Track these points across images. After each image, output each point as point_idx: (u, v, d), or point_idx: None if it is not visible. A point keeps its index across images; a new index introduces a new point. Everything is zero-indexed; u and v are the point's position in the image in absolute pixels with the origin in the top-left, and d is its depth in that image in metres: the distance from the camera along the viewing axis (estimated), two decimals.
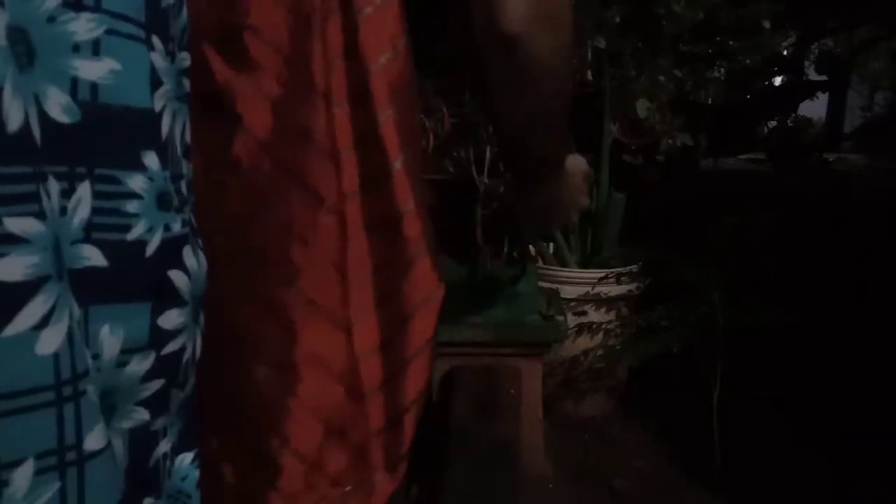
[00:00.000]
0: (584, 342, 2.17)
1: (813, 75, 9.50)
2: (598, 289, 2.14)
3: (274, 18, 0.55)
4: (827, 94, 10.25)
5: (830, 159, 6.15)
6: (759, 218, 1.93)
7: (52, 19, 0.35)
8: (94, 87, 0.37)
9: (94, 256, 0.38)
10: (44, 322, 0.33)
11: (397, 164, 0.58)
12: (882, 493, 1.70)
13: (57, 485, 0.35)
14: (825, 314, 2.44)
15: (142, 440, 0.42)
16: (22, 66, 0.34)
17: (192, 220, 0.47)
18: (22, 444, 0.33)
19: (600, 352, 2.16)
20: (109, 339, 0.39)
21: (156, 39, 0.40)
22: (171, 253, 0.42)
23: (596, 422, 2.18)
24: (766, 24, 2.42)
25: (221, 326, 0.55)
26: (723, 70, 2.55)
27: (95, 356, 0.38)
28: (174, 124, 0.43)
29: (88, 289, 0.37)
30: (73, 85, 0.36)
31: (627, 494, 1.80)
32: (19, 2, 0.34)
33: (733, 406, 1.84)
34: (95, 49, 0.37)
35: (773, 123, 7.10)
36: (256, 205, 0.56)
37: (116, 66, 0.37)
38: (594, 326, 2.16)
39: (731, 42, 2.42)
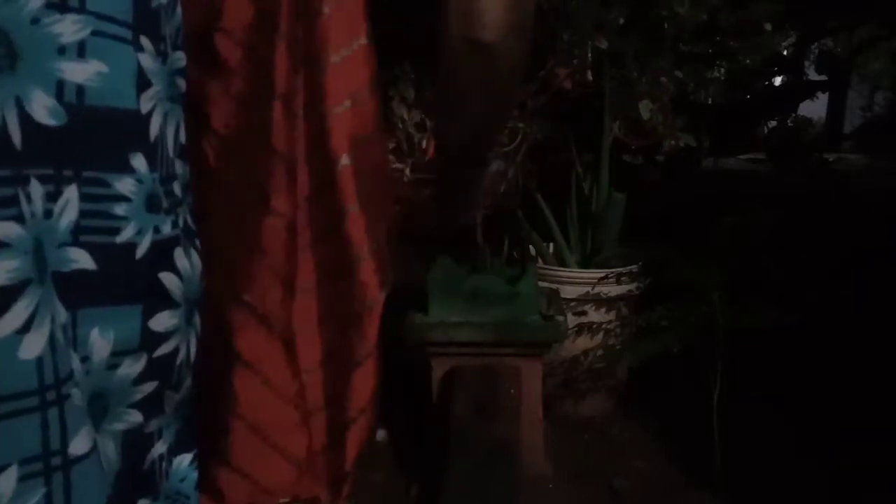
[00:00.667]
0: (584, 342, 2.17)
1: (813, 75, 9.49)
2: (598, 289, 2.14)
3: (244, 18, 0.55)
4: (827, 94, 10.25)
5: (830, 159, 6.14)
6: (759, 218, 1.93)
7: (36, 21, 0.35)
8: (80, 89, 0.37)
9: (82, 259, 0.38)
10: (26, 326, 0.33)
11: (344, 161, 0.57)
12: (882, 494, 1.70)
13: (42, 490, 0.35)
14: (825, 314, 2.43)
15: (136, 442, 0.42)
16: (2, 69, 0.34)
17: (189, 221, 0.47)
18: (6, 450, 0.33)
19: (600, 352, 2.16)
20: (99, 342, 0.39)
21: (145, 40, 0.40)
22: (161, 255, 0.42)
23: (596, 422, 2.17)
24: (767, 25, 2.42)
25: None
26: (723, 70, 2.55)
27: (85, 359, 0.38)
28: (165, 125, 0.43)
29: (77, 291, 0.38)
30: (59, 87, 0.36)
31: (627, 494, 1.80)
32: (0, 3, 0.34)
33: (733, 406, 1.84)
34: (81, 51, 0.37)
35: (773, 123, 7.09)
36: (212, 203, 0.55)
37: (103, 67, 0.37)
38: (594, 326, 2.16)
39: (731, 42, 2.42)
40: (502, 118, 0.71)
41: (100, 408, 0.39)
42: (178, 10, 0.45)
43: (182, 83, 0.46)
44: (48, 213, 0.36)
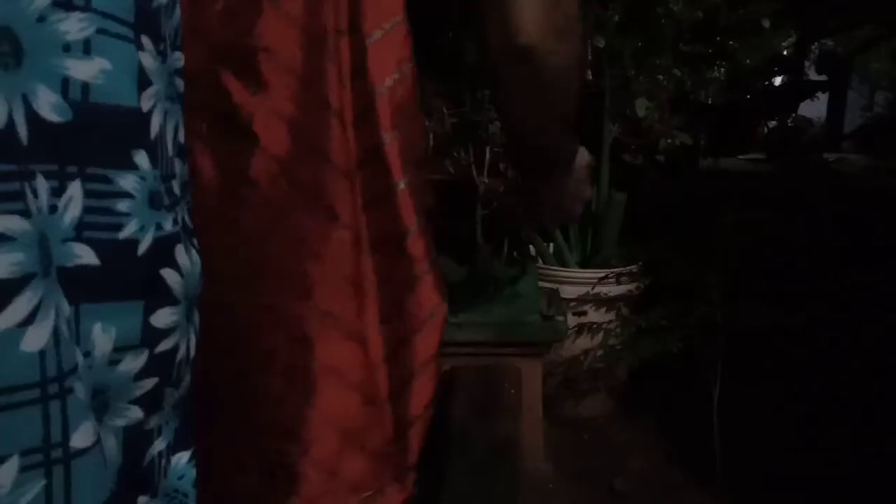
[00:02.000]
0: (584, 342, 2.17)
1: (813, 75, 9.49)
2: (598, 289, 2.14)
3: (287, 40, 0.55)
4: (827, 94, 10.24)
5: (830, 159, 6.14)
6: (759, 218, 1.93)
7: (42, 19, 0.35)
8: (85, 86, 0.37)
9: (85, 255, 0.38)
10: (30, 319, 0.33)
11: (401, 185, 0.59)
12: (883, 494, 1.70)
13: (42, 482, 0.35)
14: (825, 314, 2.43)
15: (136, 439, 0.42)
16: (7, 66, 0.34)
17: (187, 219, 0.47)
18: (7, 441, 0.33)
19: (600, 352, 2.16)
20: (101, 337, 0.39)
21: (145, 39, 0.40)
22: (163, 252, 0.42)
23: (596, 422, 2.18)
24: (766, 24, 2.42)
25: (237, 337, 0.58)
26: (723, 70, 2.55)
27: (87, 354, 0.38)
28: (165, 124, 0.43)
29: (79, 287, 0.37)
30: (64, 84, 0.36)
31: (627, 494, 1.80)
32: (6, 1, 0.34)
33: (733, 406, 1.84)
34: (86, 48, 0.37)
35: (773, 123, 7.10)
36: (273, 220, 0.57)
37: (107, 65, 0.37)
38: (594, 326, 2.16)
39: (730, 42, 2.42)
40: (560, 119, 0.71)
41: (101, 403, 0.39)
42: (178, 10, 0.45)
43: (180, 83, 0.46)
44: (53, 209, 0.36)
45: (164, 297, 0.42)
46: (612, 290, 2.15)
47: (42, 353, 0.34)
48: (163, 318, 0.42)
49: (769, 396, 2.18)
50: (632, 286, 2.18)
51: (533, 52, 0.60)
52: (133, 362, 0.41)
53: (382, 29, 0.58)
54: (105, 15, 0.37)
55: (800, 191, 4.17)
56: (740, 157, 6.21)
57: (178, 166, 0.46)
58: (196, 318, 0.47)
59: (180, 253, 0.43)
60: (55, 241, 0.36)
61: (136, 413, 0.42)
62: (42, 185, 0.36)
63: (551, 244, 2.27)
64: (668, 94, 2.24)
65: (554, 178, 0.79)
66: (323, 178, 0.57)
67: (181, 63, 0.46)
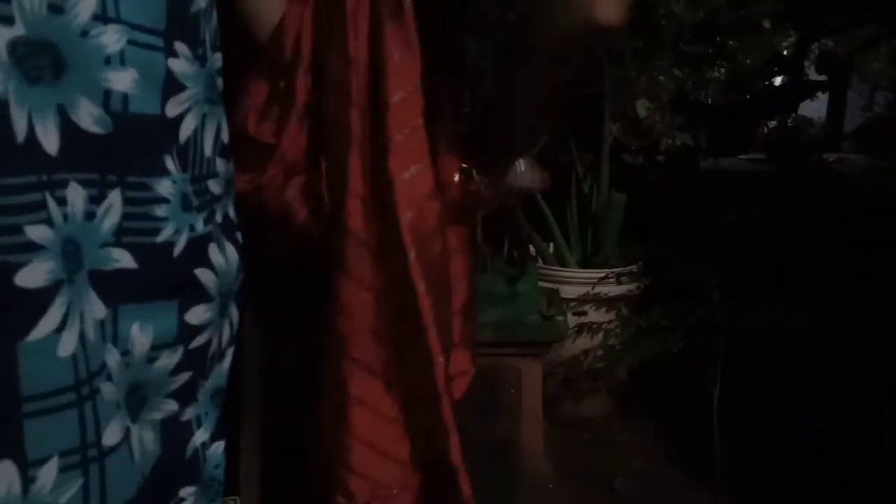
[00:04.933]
0: (584, 342, 2.16)
1: (813, 75, 9.48)
2: (598, 289, 2.14)
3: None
4: (827, 94, 10.24)
5: (830, 159, 6.15)
6: (759, 218, 1.93)
7: (85, 33, 0.36)
8: (125, 97, 0.38)
9: (124, 259, 0.39)
10: (62, 325, 0.35)
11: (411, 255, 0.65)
12: (883, 494, 1.70)
13: (80, 481, 0.36)
14: (825, 314, 2.43)
15: (173, 430, 0.44)
16: (40, 79, 0.35)
17: (230, 214, 0.49)
18: (48, 443, 0.35)
19: (600, 352, 2.16)
20: (139, 337, 0.40)
21: (180, 45, 0.41)
22: (197, 251, 0.43)
23: (596, 422, 2.18)
24: (767, 24, 2.42)
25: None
26: (723, 70, 2.55)
27: (126, 353, 0.40)
28: (203, 126, 0.44)
29: (118, 289, 0.39)
30: (106, 97, 0.37)
31: (627, 494, 1.80)
32: (48, 17, 0.35)
33: (733, 406, 1.84)
34: (122, 60, 0.38)
35: (773, 123, 7.10)
36: (352, 269, 0.66)
37: (137, 75, 0.38)
38: (594, 326, 2.15)
39: (731, 42, 2.42)
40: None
41: (139, 399, 0.41)
42: (215, 13, 0.46)
43: (220, 82, 0.47)
44: (90, 215, 0.37)
45: (198, 294, 0.44)
46: (612, 290, 2.15)
47: (74, 356, 0.35)
48: (198, 315, 0.43)
49: (769, 396, 2.18)
50: (632, 286, 2.18)
51: (612, 30, 0.57)
52: (169, 359, 0.42)
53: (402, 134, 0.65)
54: (133, 26, 0.38)
55: (800, 191, 4.18)
56: (740, 157, 6.21)
57: (220, 165, 0.48)
58: (232, 311, 0.48)
59: (214, 251, 0.45)
60: (91, 246, 0.37)
61: (172, 406, 0.44)
62: (77, 193, 0.37)
63: (551, 244, 2.27)
64: (668, 94, 2.24)
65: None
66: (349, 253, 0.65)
67: (220, 63, 0.47)
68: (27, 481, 0.34)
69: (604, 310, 2.17)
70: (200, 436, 0.47)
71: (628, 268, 2.18)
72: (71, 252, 0.36)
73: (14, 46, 0.34)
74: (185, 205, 0.42)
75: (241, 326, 0.52)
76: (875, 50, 10.09)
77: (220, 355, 0.47)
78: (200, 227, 0.44)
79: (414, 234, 0.65)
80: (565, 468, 1.88)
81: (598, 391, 2.21)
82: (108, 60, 0.37)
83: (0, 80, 0.33)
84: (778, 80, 6.60)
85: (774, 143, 6.89)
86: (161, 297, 0.42)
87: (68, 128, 0.36)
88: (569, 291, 2.12)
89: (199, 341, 0.44)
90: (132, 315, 0.40)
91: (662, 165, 2.45)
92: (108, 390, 0.38)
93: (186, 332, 0.43)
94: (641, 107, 2.19)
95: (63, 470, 0.35)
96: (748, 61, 2.51)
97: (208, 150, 0.45)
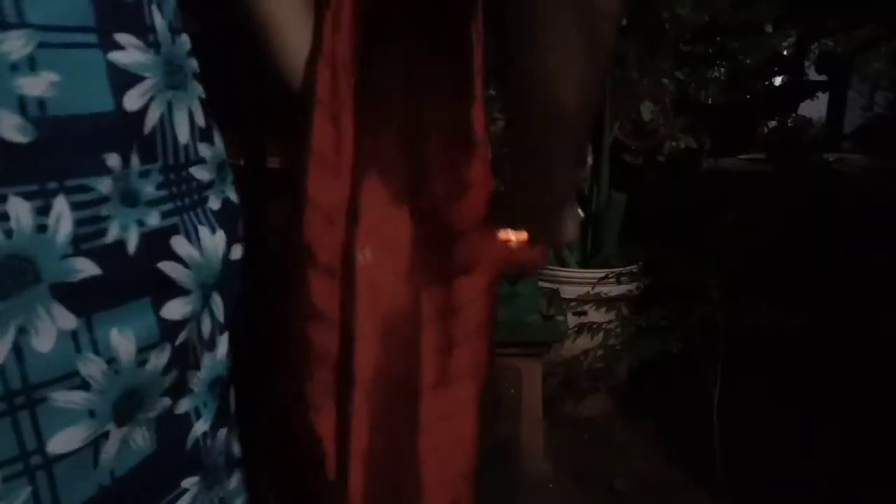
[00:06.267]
0: (584, 342, 2.17)
1: (813, 75, 9.48)
2: (598, 289, 2.14)
3: None
4: (827, 94, 10.23)
5: (830, 159, 6.14)
6: (759, 218, 1.93)
7: None
8: (41, 102, 0.36)
9: (87, 267, 0.38)
10: None
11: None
12: (883, 494, 1.70)
13: (28, 488, 0.36)
14: (826, 314, 2.43)
15: (168, 425, 0.44)
16: None
17: (228, 200, 0.47)
18: None
19: (600, 352, 2.16)
20: (122, 342, 0.40)
21: (123, 36, 0.40)
22: (154, 246, 0.42)
23: (596, 422, 2.18)
24: (767, 25, 2.42)
25: None
26: (723, 70, 2.55)
27: (111, 360, 0.39)
28: (172, 113, 0.43)
29: (87, 299, 0.38)
30: (22, 103, 0.36)
31: (627, 494, 1.80)
32: None
33: (733, 406, 1.84)
34: (32, 65, 0.36)
35: (773, 123, 7.10)
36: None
37: (54, 77, 0.37)
38: (594, 326, 2.16)
39: (731, 42, 2.42)
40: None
41: (135, 402, 0.41)
42: None
43: (192, 64, 0.45)
44: (41, 228, 0.37)
45: (170, 289, 0.42)
46: (612, 290, 2.15)
47: (2, 367, 0.35)
48: (175, 309, 0.42)
49: (769, 396, 2.18)
50: (632, 286, 2.18)
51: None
52: (158, 359, 0.42)
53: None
54: (44, 28, 0.37)
55: (800, 191, 4.18)
56: (740, 157, 6.21)
57: (203, 150, 0.46)
58: (216, 300, 0.47)
59: (180, 244, 0.43)
60: (48, 260, 0.36)
61: (165, 402, 0.44)
62: (20, 206, 0.36)
63: None
64: (671, 96, 2.24)
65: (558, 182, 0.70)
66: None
67: (187, 45, 0.45)
68: None
69: (604, 310, 2.18)
70: (201, 426, 0.47)
71: (628, 268, 2.18)
72: (15, 268, 0.36)
73: None
74: (128, 200, 0.41)
75: (241, 313, 0.51)
76: (875, 50, 10.08)
77: (209, 345, 0.47)
78: (154, 220, 0.42)
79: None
80: (565, 468, 1.89)
81: (598, 391, 2.21)
82: (14, 67, 0.36)
83: None
84: (778, 80, 6.60)
85: (774, 143, 6.88)
86: (130, 298, 0.41)
87: None
88: (569, 291, 2.12)
89: (183, 336, 0.44)
90: (107, 321, 0.39)
91: (663, 165, 2.45)
92: (69, 398, 0.38)
93: (168, 328, 0.42)
94: (646, 110, 2.19)
95: (7, 479, 0.36)
96: (748, 61, 2.51)
97: (183, 137, 0.44)
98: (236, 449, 0.51)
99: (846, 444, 1.93)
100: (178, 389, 0.44)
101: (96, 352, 0.39)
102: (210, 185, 0.47)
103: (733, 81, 2.66)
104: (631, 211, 2.32)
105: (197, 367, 0.46)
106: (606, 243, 2.32)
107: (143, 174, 0.42)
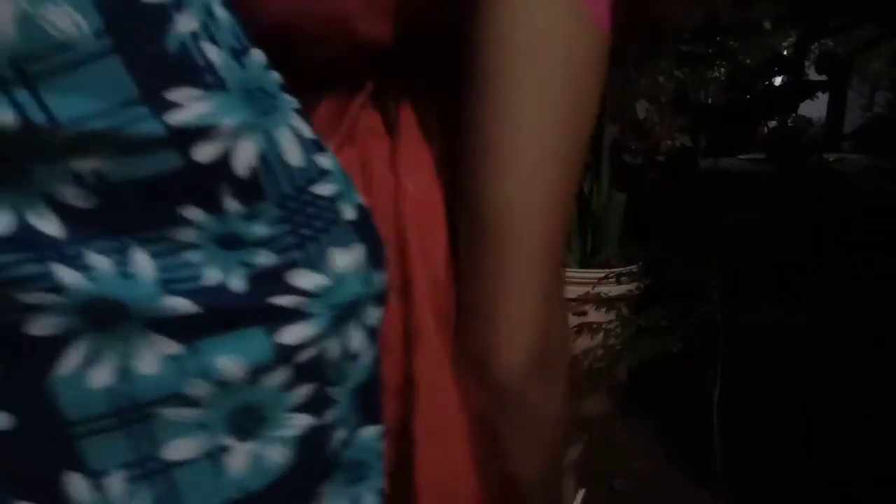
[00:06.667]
0: (584, 342, 2.17)
1: (813, 75, 9.48)
2: (598, 289, 2.14)
3: None
4: (827, 94, 10.23)
5: (830, 159, 6.15)
6: (759, 218, 1.93)
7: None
8: (97, 174, 0.36)
9: (182, 306, 0.37)
10: (87, 363, 0.36)
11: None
12: (883, 494, 1.70)
13: (151, 490, 0.38)
14: (826, 314, 2.44)
15: (313, 439, 0.43)
16: (7, 178, 0.35)
17: (361, 207, 0.44)
18: (104, 458, 0.37)
19: (600, 352, 2.16)
20: (230, 365, 0.39)
21: (177, 93, 0.37)
22: (266, 284, 0.40)
23: (596, 422, 2.18)
24: (767, 25, 2.42)
25: None
26: (723, 70, 2.55)
27: (219, 382, 0.39)
28: (271, 141, 0.40)
29: (187, 329, 0.38)
30: (77, 178, 0.35)
31: (627, 494, 1.80)
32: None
33: (733, 406, 1.84)
34: (84, 147, 0.36)
35: (773, 123, 7.10)
36: None
37: (108, 151, 0.36)
38: (594, 326, 2.16)
39: (731, 42, 2.42)
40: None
41: (255, 420, 0.41)
42: (225, 13, 0.40)
43: (273, 78, 0.42)
44: (125, 275, 0.37)
45: (287, 316, 0.40)
46: (612, 290, 2.15)
47: (110, 388, 0.37)
48: (293, 334, 0.40)
49: (769, 396, 2.18)
50: (632, 286, 2.18)
51: (510, 389, 0.50)
52: (276, 378, 0.40)
53: None
54: (82, 119, 0.35)
55: (800, 191, 4.18)
56: (740, 157, 6.21)
57: (323, 161, 0.43)
58: (362, 314, 0.45)
59: (300, 276, 0.41)
60: (138, 301, 0.37)
61: (305, 420, 0.42)
62: (98, 259, 0.36)
63: None
64: (667, 95, 2.24)
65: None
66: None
67: (262, 60, 0.42)
68: (98, 489, 0.37)
69: (604, 310, 2.18)
70: (340, 434, 0.45)
71: (628, 268, 2.18)
72: (104, 307, 0.37)
73: None
74: (227, 244, 0.39)
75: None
76: (875, 50, 10.09)
77: (351, 357, 0.44)
78: (266, 259, 0.40)
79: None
80: (565, 468, 1.88)
81: (598, 391, 2.21)
82: (61, 151, 0.35)
83: None
84: (778, 80, 6.61)
85: (774, 143, 6.89)
86: (238, 327, 0.39)
87: (59, 209, 0.36)
88: (569, 291, 2.12)
89: (307, 354, 0.41)
90: (211, 347, 0.39)
91: (662, 165, 2.45)
92: (179, 414, 0.39)
93: (285, 351, 0.40)
94: (642, 108, 2.19)
95: (131, 480, 0.38)
96: (748, 61, 2.51)
97: (294, 159, 0.41)
98: (378, 445, 0.49)
99: (846, 444, 1.93)
100: (322, 405, 0.43)
101: (202, 376, 0.38)
102: (339, 195, 0.43)
103: (733, 81, 2.66)
104: (631, 211, 2.32)
105: (339, 381, 0.44)
106: (606, 243, 2.32)
107: (249, 216, 0.39)
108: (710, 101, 2.50)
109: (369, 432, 0.48)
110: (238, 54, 0.40)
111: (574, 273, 2.21)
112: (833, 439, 1.96)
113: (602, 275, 2.14)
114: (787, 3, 2.56)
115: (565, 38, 0.44)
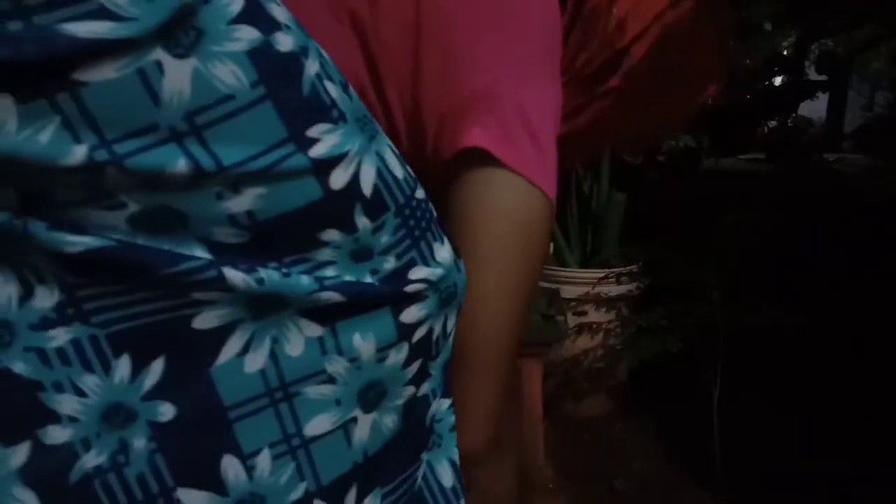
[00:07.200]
0: (584, 342, 2.17)
1: (813, 75, 9.47)
2: (598, 289, 2.14)
3: None
4: (827, 94, 10.22)
5: (830, 159, 6.14)
6: (759, 218, 1.94)
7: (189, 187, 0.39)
8: (249, 213, 0.40)
9: (332, 297, 0.43)
10: (244, 350, 0.42)
11: None
12: (883, 494, 1.70)
13: (292, 464, 0.44)
14: (825, 314, 2.43)
15: (413, 408, 0.49)
16: (163, 229, 0.39)
17: (436, 217, 0.50)
18: (256, 438, 0.43)
19: (600, 352, 2.17)
20: (363, 344, 0.45)
21: (315, 129, 0.41)
22: (393, 282, 0.46)
23: (596, 422, 2.18)
24: (767, 25, 2.42)
25: None
26: None
27: (354, 359, 0.45)
28: (383, 160, 0.45)
29: (331, 314, 0.44)
30: (231, 219, 0.40)
31: (627, 494, 1.80)
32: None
33: (733, 406, 1.84)
34: (236, 188, 0.39)
35: (773, 123, 7.09)
36: None
37: (261, 190, 0.40)
38: (594, 326, 2.16)
39: (731, 42, 2.42)
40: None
41: (378, 393, 0.46)
42: (320, 58, 0.44)
43: (362, 109, 0.47)
44: (286, 275, 0.42)
45: (409, 299, 0.46)
46: (612, 290, 2.15)
47: (262, 371, 0.42)
48: (412, 314, 0.47)
49: (769, 396, 2.19)
50: (632, 286, 2.18)
51: (473, 462, 0.60)
52: (398, 355, 0.47)
53: None
54: (241, 163, 0.39)
55: (800, 191, 4.18)
56: (740, 157, 6.21)
57: (411, 170, 0.48)
58: (457, 298, 0.50)
59: (417, 272, 0.47)
60: (296, 297, 0.42)
61: (410, 390, 0.49)
62: (258, 272, 0.41)
63: (551, 244, 2.27)
64: None
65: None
66: None
67: (354, 92, 0.46)
68: (249, 469, 0.43)
69: (604, 310, 2.18)
70: (435, 405, 0.52)
71: (628, 268, 2.18)
72: (268, 300, 0.42)
73: (134, 220, 0.38)
74: (360, 257, 0.45)
75: None
76: (875, 50, 10.06)
77: (446, 335, 0.51)
78: (390, 265, 0.46)
79: None
80: (565, 468, 1.89)
81: (598, 391, 2.21)
82: (219, 196, 0.39)
83: (128, 233, 0.38)
84: (778, 80, 6.60)
85: (774, 143, 6.88)
86: (371, 310, 0.45)
87: (215, 246, 0.40)
88: (569, 291, 2.13)
89: (420, 333, 0.48)
90: (349, 328, 0.44)
91: (663, 165, 2.46)
92: (319, 391, 0.44)
93: (405, 330, 0.46)
94: None
95: (276, 458, 0.43)
96: (748, 61, 2.51)
97: (398, 171, 0.46)
98: (451, 417, 0.55)
99: (846, 444, 1.93)
100: (421, 378, 0.49)
101: (340, 353, 0.44)
102: (429, 197, 0.50)
103: (733, 81, 2.66)
104: (631, 211, 2.32)
105: (437, 356, 0.50)
106: (606, 243, 2.32)
107: (377, 229, 0.45)
108: (710, 102, 2.50)
109: (445, 404, 0.54)
110: (345, 87, 0.45)
111: (574, 273, 2.21)
112: (833, 439, 1.96)
113: (602, 275, 2.14)
114: (787, 3, 2.56)
115: (524, 211, 0.58)
